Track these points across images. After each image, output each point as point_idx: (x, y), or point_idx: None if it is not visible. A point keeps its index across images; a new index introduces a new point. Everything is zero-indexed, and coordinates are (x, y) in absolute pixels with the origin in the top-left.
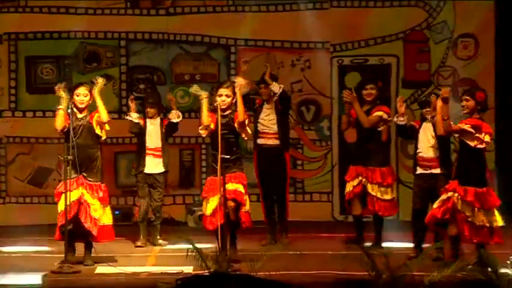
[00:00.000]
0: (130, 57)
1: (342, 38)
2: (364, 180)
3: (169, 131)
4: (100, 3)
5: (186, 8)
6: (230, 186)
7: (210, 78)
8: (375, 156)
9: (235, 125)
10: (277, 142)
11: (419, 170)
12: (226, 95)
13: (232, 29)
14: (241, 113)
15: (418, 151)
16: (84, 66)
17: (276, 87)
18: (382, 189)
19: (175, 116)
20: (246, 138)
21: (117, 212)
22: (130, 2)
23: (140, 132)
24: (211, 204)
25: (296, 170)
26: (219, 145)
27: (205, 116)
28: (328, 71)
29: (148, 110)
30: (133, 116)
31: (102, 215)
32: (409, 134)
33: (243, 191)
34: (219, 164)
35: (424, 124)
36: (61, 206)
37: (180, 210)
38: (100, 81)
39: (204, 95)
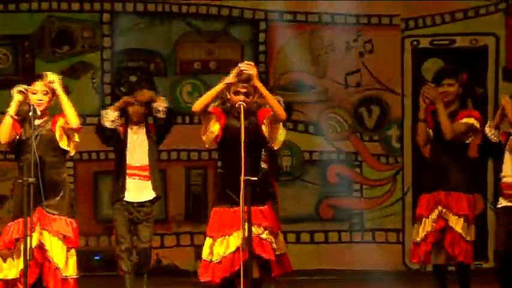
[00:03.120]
0: (117, 37)
1: (417, 10)
2: (444, 211)
3: (160, 135)
4: None
5: None
6: (255, 230)
7: (230, 66)
8: (458, 178)
9: (265, 128)
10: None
11: (503, 202)
12: (245, 93)
13: None
14: (277, 107)
15: (502, 175)
16: (51, 50)
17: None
18: (468, 224)
19: (161, 106)
20: (275, 148)
21: (97, 257)
22: None
23: (118, 144)
24: (219, 249)
25: (352, 198)
26: (243, 161)
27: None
28: (398, 57)
29: (132, 111)
30: (110, 114)
31: (68, 263)
32: (497, 152)
33: (273, 242)
34: (242, 189)
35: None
36: (18, 264)
37: (187, 255)
38: (52, 78)
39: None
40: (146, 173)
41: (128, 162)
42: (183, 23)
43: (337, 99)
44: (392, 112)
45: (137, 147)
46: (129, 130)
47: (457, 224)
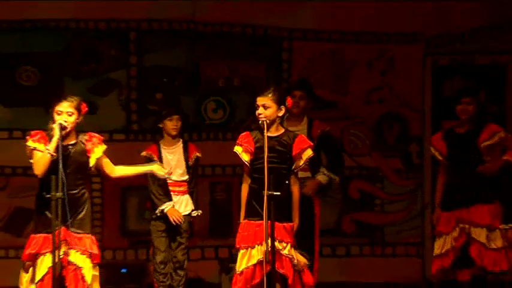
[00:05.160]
0: (143, 55)
1: (439, 28)
2: (467, 227)
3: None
4: None
5: None
6: (279, 245)
7: (254, 83)
8: (476, 192)
9: (295, 161)
10: None
11: None
12: (263, 105)
13: (285, 16)
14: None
15: None
16: (78, 67)
17: None
18: (491, 234)
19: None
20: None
21: (123, 270)
22: None
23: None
24: (242, 260)
25: (373, 213)
26: (266, 176)
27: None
28: (419, 74)
29: (169, 127)
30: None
31: (94, 278)
32: None
33: (294, 258)
34: (265, 203)
35: None
36: (38, 273)
37: (212, 268)
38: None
39: None
40: (183, 189)
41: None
42: (207, 42)
43: (359, 116)
44: (413, 129)
45: (175, 162)
46: (163, 148)
47: (479, 236)
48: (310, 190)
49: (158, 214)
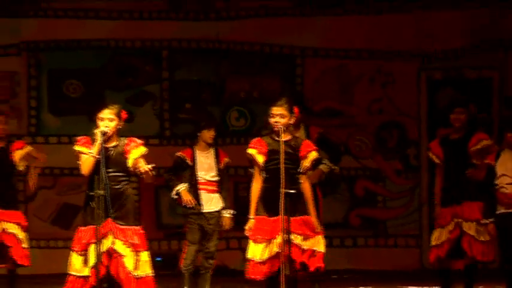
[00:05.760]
0: (174, 70)
1: (432, 46)
2: (460, 221)
3: None
4: (137, 5)
5: (241, 11)
6: (295, 239)
7: (271, 95)
8: (468, 190)
9: (302, 161)
10: None
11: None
12: (280, 115)
13: (297, 36)
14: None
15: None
16: (118, 81)
17: None
18: (480, 228)
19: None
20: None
21: (158, 259)
22: (174, 3)
23: (187, 170)
24: (262, 250)
25: (376, 209)
26: (282, 176)
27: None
28: (414, 87)
29: (207, 136)
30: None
31: (138, 265)
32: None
33: (302, 245)
34: (282, 200)
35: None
36: (90, 260)
37: (236, 256)
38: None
39: None
40: (214, 188)
41: (198, 178)
42: (230, 59)
43: (363, 123)
44: (410, 134)
45: (207, 166)
46: (198, 152)
47: (470, 229)
48: (313, 178)
49: (174, 197)
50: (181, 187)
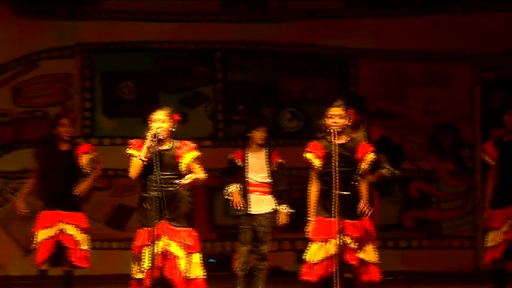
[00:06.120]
0: (228, 72)
1: (485, 47)
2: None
3: None
4: (191, 6)
5: (295, 12)
6: (350, 243)
7: (325, 96)
8: None
9: (360, 163)
10: None
11: None
12: (339, 116)
13: (351, 38)
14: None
15: None
16: (172, 83)
17: None
18: None
19: None
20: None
21: (211, 260)
22: (227, 5)
23: (238, 171)
24: (317, 250)
25: (430, 210)
26: (335, 179)
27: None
28: (468, 88)
29: (257, 136)
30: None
31: (191, 266)
32: None
33: (358, 250)
34: (335, 202)
35: None
36: (145, 263)
37: (289, 258)
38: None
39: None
40: (265, 189)
41: (248, 180)
42: (284, 60)
43: (417, 125)
44: (464, 135)
45: (257, 166)
46: (249, 154)
47: None
48: (373, 179)
49: (228, 197)
50: (233, 188)
